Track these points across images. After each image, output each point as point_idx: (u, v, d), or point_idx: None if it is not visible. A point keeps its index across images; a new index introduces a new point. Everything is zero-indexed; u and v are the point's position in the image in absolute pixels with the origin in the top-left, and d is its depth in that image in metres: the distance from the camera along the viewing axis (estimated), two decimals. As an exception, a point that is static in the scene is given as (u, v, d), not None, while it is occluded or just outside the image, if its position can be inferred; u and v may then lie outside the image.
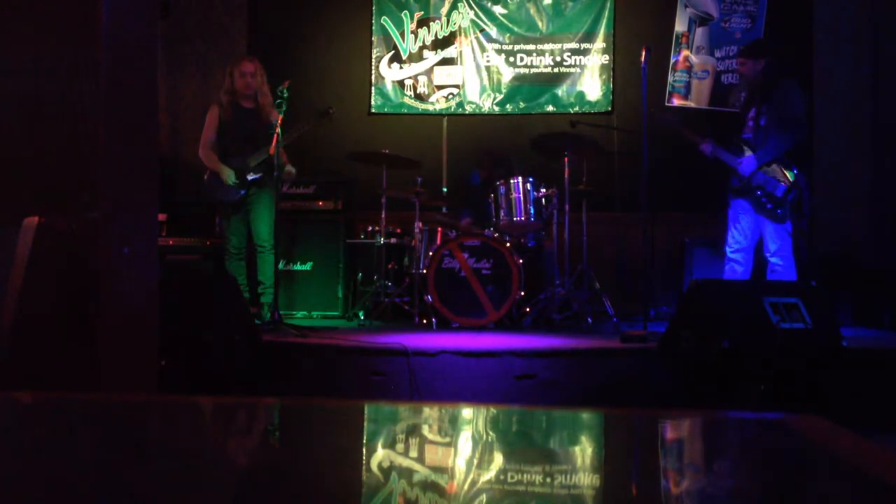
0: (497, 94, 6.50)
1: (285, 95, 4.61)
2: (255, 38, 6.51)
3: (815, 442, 0.85)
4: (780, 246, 4.68)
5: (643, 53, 4.51)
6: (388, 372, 3.90)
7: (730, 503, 0.71)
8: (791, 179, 4.66)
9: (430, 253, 4.97)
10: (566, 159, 5.12)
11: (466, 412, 1.12)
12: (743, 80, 5.04)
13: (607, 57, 6.45)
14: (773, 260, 4.70)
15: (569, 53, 6.49)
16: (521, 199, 5.09)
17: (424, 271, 4.93)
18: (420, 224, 5.22)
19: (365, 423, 1.01)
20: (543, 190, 5.14)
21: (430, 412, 1.12)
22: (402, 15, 6.59)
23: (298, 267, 5.78)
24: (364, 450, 0.88)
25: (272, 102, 4.98)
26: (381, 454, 0.85)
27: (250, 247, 5.17)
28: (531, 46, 6.51)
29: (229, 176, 4.98)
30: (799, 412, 0.92)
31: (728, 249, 4.86)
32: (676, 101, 6.34)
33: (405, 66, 6.59)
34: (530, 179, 5.12)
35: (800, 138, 4.74)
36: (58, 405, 1.06)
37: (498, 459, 0.85)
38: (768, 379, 3.58)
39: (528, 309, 5.04)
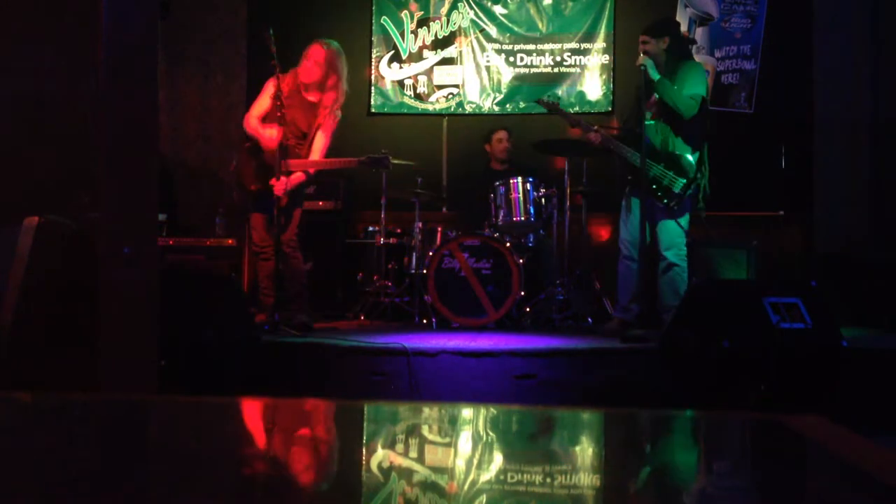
0: (497, 94, 6.50)
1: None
2: (254, 38, 6.50)
3: (815, 442, 0.85)
4: (674, 243, 4.49)
5: (643, 53, 4.51)
6: (388, 372, 3.90)
7: (730, 503, 0.71)
8: (691, 175, 4.43)
9: (430, 253, 4.96)
10: (566, 159, 5.12)
11: (466, 412, 1.12)
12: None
13: (607, 57, 6.44)
14: (669, 255, 4.48)
15: (569, 53, 6.49)
16: (521, 199, 5.09)
17: (424, 271, 4.93)
18: (420, 224, 5.23)
19: (365, 423, 1.01)
20: (543, 190, 5.14)
21: (430, 412, 1.12)
22: (402, 15, 6.59)
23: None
24: (364, 450, 0.88)
25: (333, 106, 4.51)
26: (380, 454, 0.85)
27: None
28: (531, 46, 6.51)
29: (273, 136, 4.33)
30: (799, 412, 0.92)
31: (621, 247, 4.64)
32: (676, 101, 6.34)
33: (405, 65, 6.59)
34: (530, 179, 5.12)
35: (692, 113, 4.44)
36: (58, 405, 1.06)
37: (498, 459, 0.85)
38: (768, 379, 3.58)
39: (528, 309, 5.03)
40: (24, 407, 1.06)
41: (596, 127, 4.70)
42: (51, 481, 0.69)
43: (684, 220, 4.55)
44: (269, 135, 4.40)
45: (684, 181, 4.44)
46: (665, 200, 4.47)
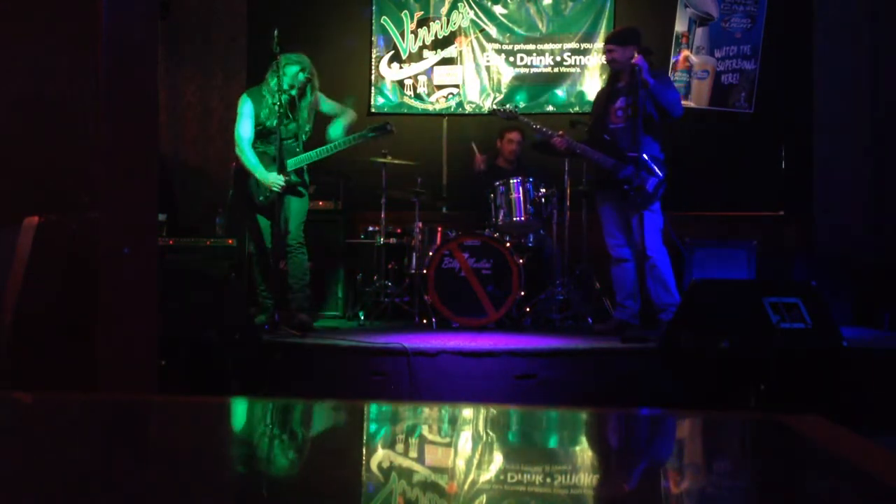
0: (497, 94, 6.50)
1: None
2: (254, 38, 6.51)
3: (815, 442, 0.85)
4: (652, 241, 4.49)
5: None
6: (388, 372, 3.90)
7: (730, 503, 0.71)
8: (661, 174, 4.49)
9: (430, 253, 4.97)
10: (566, 159, 5.12)
11: (466, 412, 1.12)
12: (613, 67, 4.73)
13: (607, 57, 6.44)
14: (649, 253, 4.48)
15: (569, 53, 6.49)
16: (521, 199, 5.09)
17: (424, 271, 4.93)
18: (420, 224, 5.23)
19: (365, 423, 1.01)
20: (543, 190, 5.14)
21: (430, 412, 1.12)
22: (402, 15, 6.59)
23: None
24: (364, 450, 0.88)
25: (316, 102, 4.75)
26: (381, 454, 0.85)
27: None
28: (531, 46, 6.51)
29: (273, 182, 4.54)
30: (799, 412, 0.92)
31: (612, 252, 4.71)
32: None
33: (405, 65, 6.59)
34: (530, 179, 5.12)
35: (680, 114, 4.56)
36: (58, 405, 1.06)
37: (498, 459, 0.85)
38: (768, 379, 3.58)
39: (528, 309, 5.04)
40: (24, 407, 1.06)
41: (560, 132, 4.73)
42: (51, 481, 0.69)
43: (658, 217, 4.58)
44: (270, 180, 4.55)
45: (657, 180, 4.51)
46: (638, 200, 4.50)
